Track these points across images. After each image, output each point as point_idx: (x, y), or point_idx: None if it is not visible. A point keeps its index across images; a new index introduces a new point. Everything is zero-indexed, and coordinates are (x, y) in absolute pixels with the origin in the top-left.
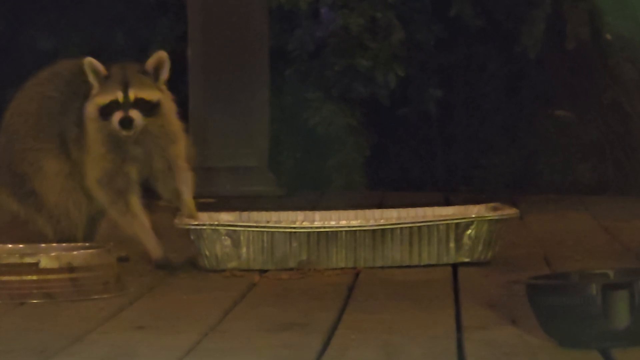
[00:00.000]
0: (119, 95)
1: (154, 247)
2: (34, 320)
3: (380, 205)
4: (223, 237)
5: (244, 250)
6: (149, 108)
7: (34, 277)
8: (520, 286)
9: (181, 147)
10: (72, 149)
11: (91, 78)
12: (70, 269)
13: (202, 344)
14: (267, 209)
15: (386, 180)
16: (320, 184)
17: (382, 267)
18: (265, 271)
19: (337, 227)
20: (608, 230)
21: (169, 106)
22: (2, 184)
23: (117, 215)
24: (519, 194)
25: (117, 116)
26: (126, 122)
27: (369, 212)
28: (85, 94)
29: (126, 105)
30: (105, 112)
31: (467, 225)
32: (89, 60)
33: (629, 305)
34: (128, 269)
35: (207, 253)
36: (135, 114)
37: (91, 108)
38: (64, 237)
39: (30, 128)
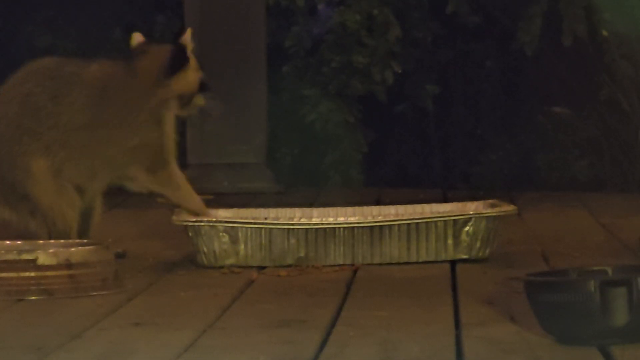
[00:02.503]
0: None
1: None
2: (31, 316)
3: (378, 202)
4: (221, 234)
5: (242, 247)
6: None
7: (32, 274)
8: (518, 283)
9: None
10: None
11: None
12: (68, 265)
13: (201, 341)
14: (265, 206)
15: (384, 176)
16: (317, 181)
17: (380, 264)
18: (264, 268)
19: (335, 223)
20: (606, 227)
21: None
22: None
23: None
24: (516, 190)
25: None
26: None
27: (366, 209)
28: (84, 85)
29: None
30: None
31: (465, 222)
32: None
33: (627, 302)
34: (126, 265)
35: (205, 250)
36: None
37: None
38: (58, 239)
39: (13, 132)
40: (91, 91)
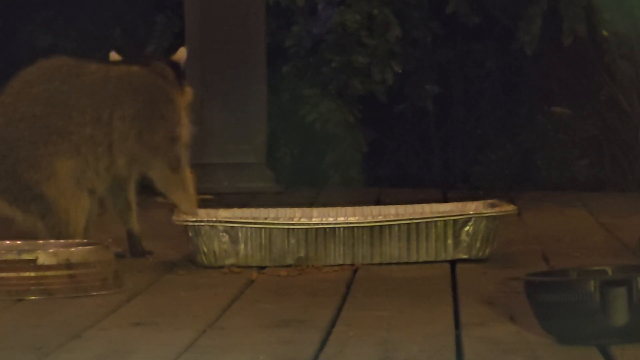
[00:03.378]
0: None
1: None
2: (31, 316)
3: (378, 202)
4: (221, 234)
5: (242, 246)
6: None
7: (32, 274)
8: (518, 283)
9: None
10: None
11: None
12: (68, 265)
13: (200, 341)
14: (265, 206)
15: (384, 176)
16: (317, 181)
17: (380, 264)
18: (263, 268)
19: (335, 223)
20: (606, 227)
21: None
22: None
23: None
24: (516, 190)
25: None
26: None
27: (366, 209)
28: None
29: None
30: None
31: (465, 222)
32: None
33: (627, 302)
34: (126, 265)
35: (205, 250)
36: None
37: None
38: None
39: (40, 132)
40: (121, 88)
